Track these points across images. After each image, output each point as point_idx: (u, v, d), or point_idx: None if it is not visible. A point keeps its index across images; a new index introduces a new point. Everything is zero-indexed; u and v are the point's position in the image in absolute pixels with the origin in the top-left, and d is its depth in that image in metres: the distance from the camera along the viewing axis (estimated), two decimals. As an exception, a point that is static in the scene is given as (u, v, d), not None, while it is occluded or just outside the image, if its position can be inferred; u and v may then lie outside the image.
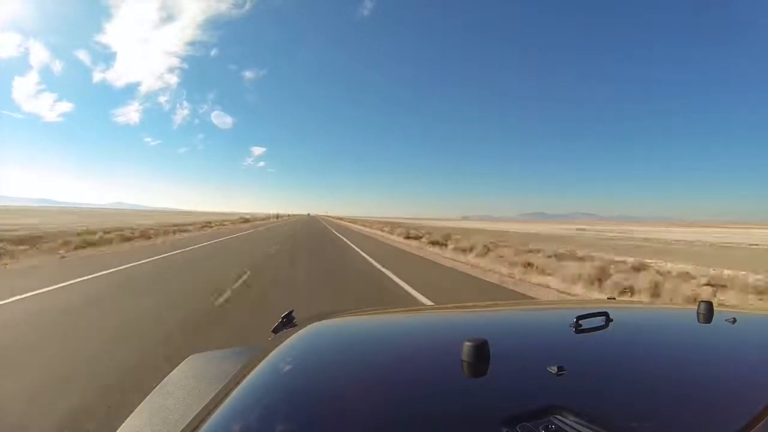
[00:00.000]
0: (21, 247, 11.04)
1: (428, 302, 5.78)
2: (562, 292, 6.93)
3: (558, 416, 0.51)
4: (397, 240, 20.78)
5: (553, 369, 0.63)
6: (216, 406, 0.61)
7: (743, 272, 7.79)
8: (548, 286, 7.38)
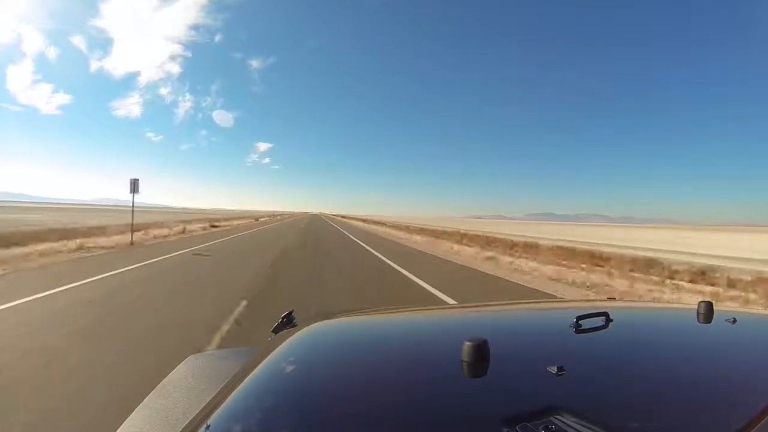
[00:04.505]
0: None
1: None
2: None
3: (558, 416, 0.51)
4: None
5: (553, 369, 0.63)
6: (216, 406, 0.61)
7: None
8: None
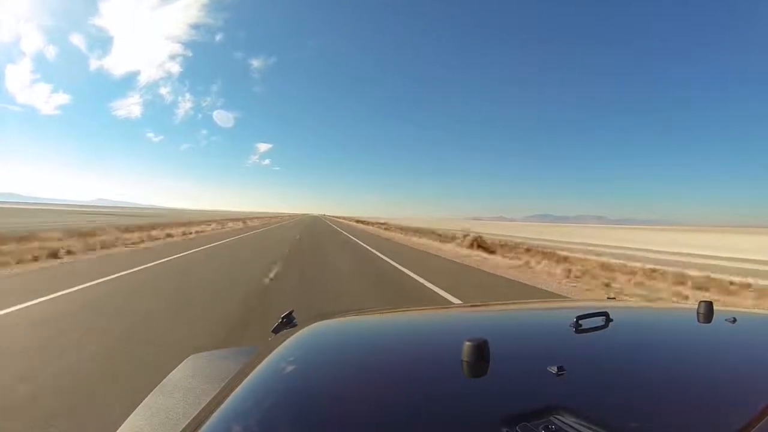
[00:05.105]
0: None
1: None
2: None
3: (558, 416, 0.51)
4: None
5: (553, 369, 0.63)
6: (216, 406, 0.61)
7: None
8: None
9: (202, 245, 15.11)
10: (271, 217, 78.81)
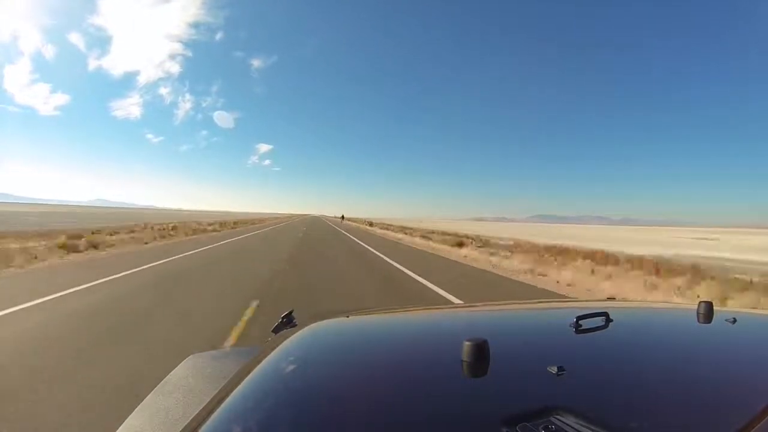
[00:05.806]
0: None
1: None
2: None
3: (558, 416, 0.51)
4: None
5: (553, 369, 0.63)
6: (216, 406, 0.62)
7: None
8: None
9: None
10: (263, 219, 77.53)
